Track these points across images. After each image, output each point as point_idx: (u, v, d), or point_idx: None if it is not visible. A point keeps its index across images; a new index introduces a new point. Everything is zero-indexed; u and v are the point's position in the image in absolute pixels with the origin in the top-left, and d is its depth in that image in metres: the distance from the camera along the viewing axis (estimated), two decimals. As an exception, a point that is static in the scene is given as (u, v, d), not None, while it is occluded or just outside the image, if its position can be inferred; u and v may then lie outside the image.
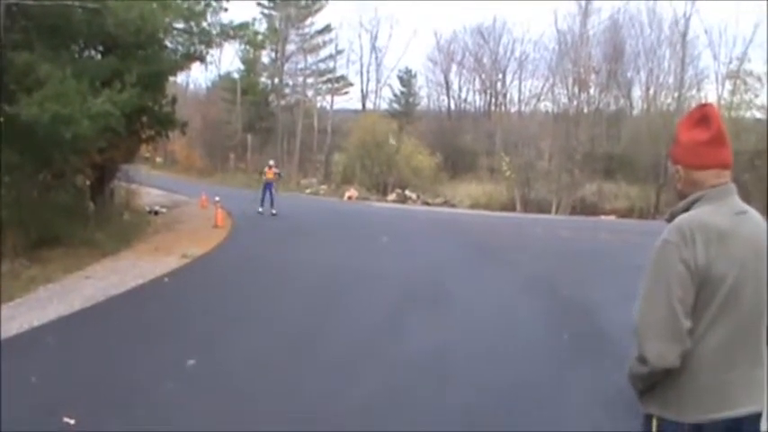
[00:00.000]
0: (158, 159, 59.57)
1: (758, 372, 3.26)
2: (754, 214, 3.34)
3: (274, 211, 29.19)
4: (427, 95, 70.92)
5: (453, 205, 49.45)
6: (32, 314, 11.08)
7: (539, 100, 60.92)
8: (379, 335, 10.92)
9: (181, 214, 29.67)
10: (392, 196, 51.61)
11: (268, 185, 29.86)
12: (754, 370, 3.25)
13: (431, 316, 12.26)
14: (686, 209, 3.29)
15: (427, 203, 49.59)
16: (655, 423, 3.32)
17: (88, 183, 23.16)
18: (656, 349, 3.12)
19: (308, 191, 53.51)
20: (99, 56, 21.62)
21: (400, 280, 15.63)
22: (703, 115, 3.34)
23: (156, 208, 30.16)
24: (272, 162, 31.87)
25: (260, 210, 29.40)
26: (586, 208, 47.79)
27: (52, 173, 20.59)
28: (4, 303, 12.22)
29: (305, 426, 7.18)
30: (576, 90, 54.08)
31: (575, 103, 54.26)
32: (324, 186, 55.53)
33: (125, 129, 19.96)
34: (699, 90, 52.94)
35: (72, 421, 6.99)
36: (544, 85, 59.84)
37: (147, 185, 34.22)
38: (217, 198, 28.62)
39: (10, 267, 15.14)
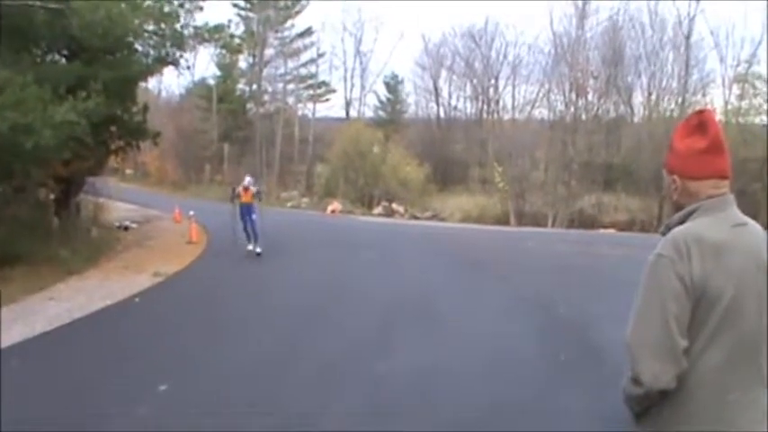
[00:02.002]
0: (128, 171, 59.54)
1: (759, 393, 3.21)
2: (755, 226, 3.30)
3: (259, 250, 22.32)
4: (415, 102, 70.94)
5: (443, 219, 49.44)
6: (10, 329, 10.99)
7: (533, 107, 61.07)
8: (360, 356, 10.86)
9: (153, 230, 29.58)
10: (378, 209, 51.59)
11: (247, 211, 22.63)
12: (756, 391, 3.20)
13: (417, 337, 12.20)
14: (682, 221, 3.24)
15: (415, 217, 49.58)
16: None
17: (52, 196, 23.08)
18: (651, 370, 3.06)
19: (288, 204, 53.44)
20: (63, 60, 21.53)
21: (385, 299, 15.57)
22: (701, 121, 3.30)
23: (126, 223, 30.06)
24: (248, 179, 23.41)
25: (249, 247, 22.66)
26: (584, 221, 47.81)
27: (13, 186, 20.47)
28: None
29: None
30: (574, 96, 54.20)
31: (572, 109, 54.35)
32: (306, 199, 55.46)
33: (92, 139, 19.89)
34: (704, 95, 53.10)
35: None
36: (539, 91, 59.97)
37: (117, 199, 34.18)
38: (191, 212, 28.55)
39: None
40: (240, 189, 22.96)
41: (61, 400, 8.59)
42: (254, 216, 22.68)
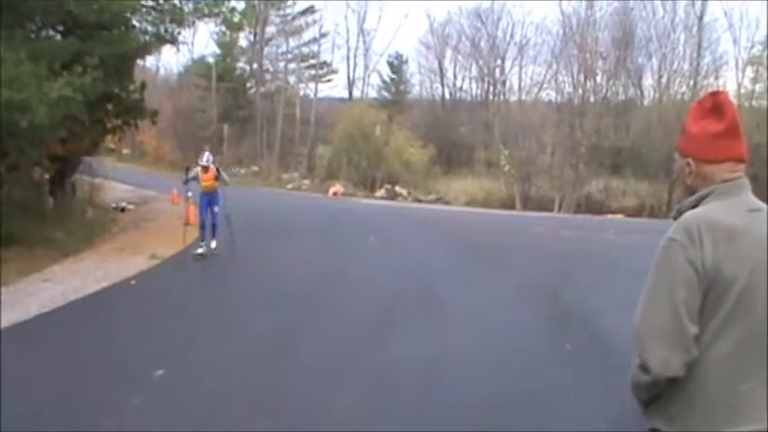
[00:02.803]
0: (125, 151, 59.41)
1: None
2: None
3: (214, 245, 18.83)
4: (419, 83, 70.77)
5: (447, 202, 49.44)
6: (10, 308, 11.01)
7: (541, 88, 60.87)
8: (362, 341, 10.87)
9: (150, 211, 29.56)
10: (381, 192, 51.59)
11: (208, 200, 18.99)
12: (767, 382, 3.18)
13: (418, 324, 12.20)
14: (695, 205, 3.21)
15: (419, 200, 49.57)
16: None
17: (47, 176, 23.05)
18: (659, 356, 3.03)
19: (289, 186, 53.45)
20: (58, 36, 21.47)
21: (386, 285, 15.58)
22: (716, 104, 3.25)
23: (123, 204, 30.06)
24: (207, 156, 19.22)
25: (199, 249, 18.68)
26: (592, 206, 47.77)
27: (6, 165, 20.46)
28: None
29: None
30: (582, 78, 54.11)
31: (580, 91, 54.25)
32: (307, 181, 55.44)
33: (88, 117, 19.88)
34: (717, 78, 53.03)
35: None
36: (547, 73, 59.80)
37: (113, 179, 34.12)
38: (189, 193, 28.48)
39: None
40: (198, 170, 18.69)
41: (56, 385, 8.59)
42: (216, 208, 18.80)
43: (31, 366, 9.43)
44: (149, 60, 45.02)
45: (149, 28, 23.43)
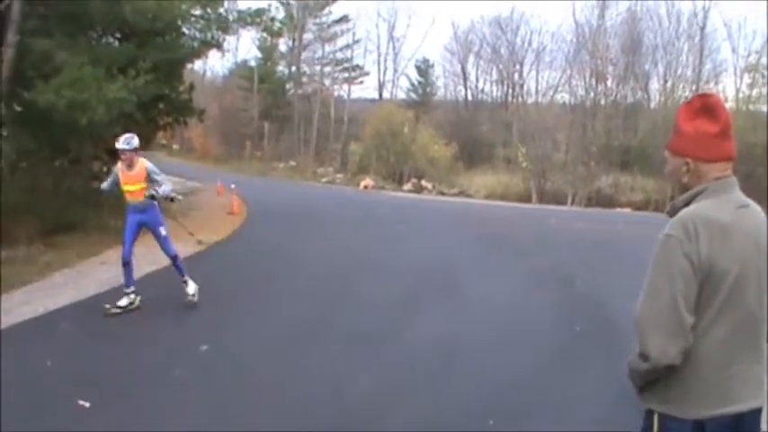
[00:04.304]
0: (175, 146, 59.69)
1: (758, 367, 3.26)
2: (755, 207, 3.33)
3: (192, 290, 11.82)
4: (444, 85, 70.58)
5: (469, 195, 49.28)
6: (47, 299, 11.17)
7: (556, 91, 60.64)
8: (389, 322, 10.97)
9: (196, 201, 29.65)
10: (408, 186, 51.51)
11: (140, 218, 11.51)
12: (755, 365, 3.25)
13: (441, 307, 12.28)
14: (688, 202, 3.27)
15: (443, 193, 49.46)
16: (656, 419, 3.32)
17: (104, 169, 23.26)
18: (658, 345, 3.11)
19: (323, 180, 53.46)
20: (116, 43, 21.65)
21: (411, 269, 15.66)
22: (706, 105, 3.30)
23: (172, 195, 30.16)
24: (127, 140, 11.07)
25: (122, 300, 11.21)
26: (602, 200, 47.57)
27: (68, 159, 20.67)
28: (20, 288, 12.32)
29: (312, 411, 7.25)
30: (594, 82, 53.86)
31: (592, 94, 54.01)
32: (340, 175, 55.44)
33: (142, 116, 20.04)
34: (717, 83, 52.71)
35: (87, 404, 7.07)
36: (561, 77, 59.59)
37: (164, 172, 34.29)
38: (233, 185, 28.69)
39: (26, 253, 15.22)
40: (118, 167, 11.40)
41: (110, 360, 8.75)
42: (161, 230, 11.76)
43: (88, 340, 9.62)
44: (197, 64, 45.10)
45: (197, 35, 23.57)
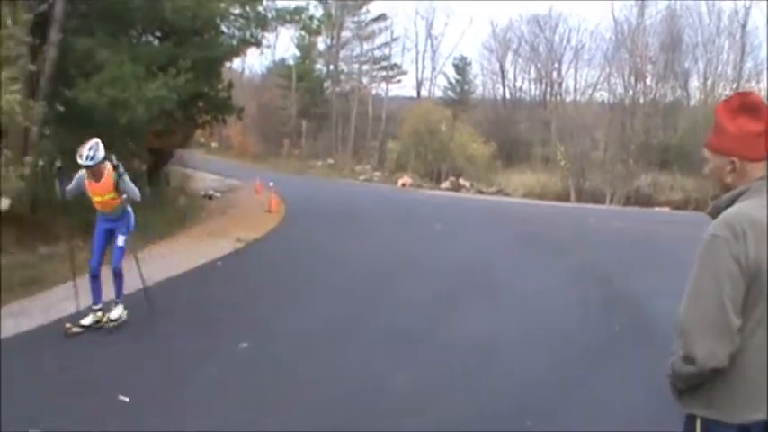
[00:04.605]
0: (213, 144, 59.93)
1: None
2: None
3: (117, 313, 10.16)
4: (482, 84, 70.23)
5: (507, 194, 49.11)
6: (86, 296, 11.27)
7: (594, 89, 60.23)
8: (427, 320, 10.97)
9: (235, 199, 29.84)
10: (446, 184, 51.42)
11: (108, 225, 10.33)
12: None
13: (479, 306, 12.26)
14: (731, 202, 3.21)
15: (481, 192, 49.34)
16: (699, 423, 3.24)
17: (144, 167, 23.45)
18: (706, 348, 3.03)
19: (361, 177, 53.51)
20: (156, 41, 21.82)
21: (449, 268, 15.65)
22: (746, 103, 3.25)
23: (211, 192, 30.39)
24: (91, 150, 9.57)
25: (86, 319, 9.97)
26: (641, 199, 47.15)
27: (109, 157, 20.85)
28: (61, 284, 12.44)
29: (347, 409, 7.28)
30: (633, 80, 53.39)
31: (631, 93, 53.50)
32: (378, 173, 55.45)
33: (181, 114, 20.19)
34: (758, 81, 52.03)
35: (126, 399, 7.15)
36: (600, 75, 59.18)
37: (202, 170, 34.51)
38: (271, 183, 28.79)
39: (66, 249, 15.36)
40: (83, 173, 9.95)
41: (147, 356, 8.82)
42: (120, 240, 10.30)
43: (127, 335, 9.70)
44: (235, 62, 45.25)
45: (236, 33, 23.71)
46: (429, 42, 68.20)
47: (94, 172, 9.71)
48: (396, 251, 17.78)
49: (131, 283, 10.79)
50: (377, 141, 61.00)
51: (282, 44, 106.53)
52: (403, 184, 49.21)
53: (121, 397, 7.18)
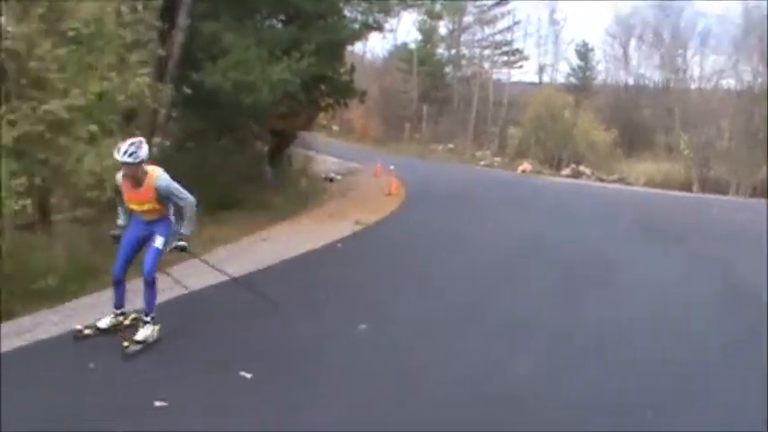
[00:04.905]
0: (335, 127, 60.40)
1: None
2: None
3: (145, 334, 8.40)
4: (605, 70, 69.16)
5: (629, 183, 48.29)
6: (210, 274, 11.48)
7: (721, 76, 58.68)
8: (547, 308, 10.88)
9: (355, 182, 30.01)
10: (566, 171, 50.83)
11: (141, 229, 8.74)
12: None
13: (598, 290, 12.12)
14: None
15: (601, 180, 48.62)
16: None
17: (267, 149, 23.79)
18: None
19: (482, 163, 53.24)
20: (280, 25, 22.05)
21: (572, 254, 15.50)
22: None
23: (332, 175, 30.61)
24: (133, 147, 8.21)
25: (103, 321, 8.78)
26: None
27: (233, 138, 21.20)
28: (185, 262, 12.72)
29: (463, 393, 7.26)
30: (762, 67, 51.79)
31: (759, 80, 51.95)
32: (498, 159, 55.10)
33: (304, 96, 20.38)
34: None
35: (249, 375, 7.27)
36: (727, 62, 57.65)
37: (324, 152, 34.80)
38: (391, 167, 28.89)
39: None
40: (118, 177, 8.73)
41: (267, 335, 8.95)
42: (157, 242, 8.61)
43: (247, 313, 9.85)
44: (357, 46, 45.51)
45: (359, 17, 23.80)
46: (551, 27, 67.46)
47: (134, 175, 8.30)
48: (516, 237, 17.68)
49: (235, 269, 10.89)
50: (497, 127, 60.60)
51: (404, 28, 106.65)
52: (523, 171, 48.79)
53: (242, 373, 7.31)
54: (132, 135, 12.43)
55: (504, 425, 6.72)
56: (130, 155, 8.10)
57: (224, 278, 10.59)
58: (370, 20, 23.76)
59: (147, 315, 8.47)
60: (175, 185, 8.47)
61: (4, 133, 10.56)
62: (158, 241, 8.50)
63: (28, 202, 10.68)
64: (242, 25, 18.39)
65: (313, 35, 19.60)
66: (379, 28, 24.88)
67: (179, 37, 16.89)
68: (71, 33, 11.68)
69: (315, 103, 24.32)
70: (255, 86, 17.01)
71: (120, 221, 8.88)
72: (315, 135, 32.57)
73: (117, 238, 8.76)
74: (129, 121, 13.91)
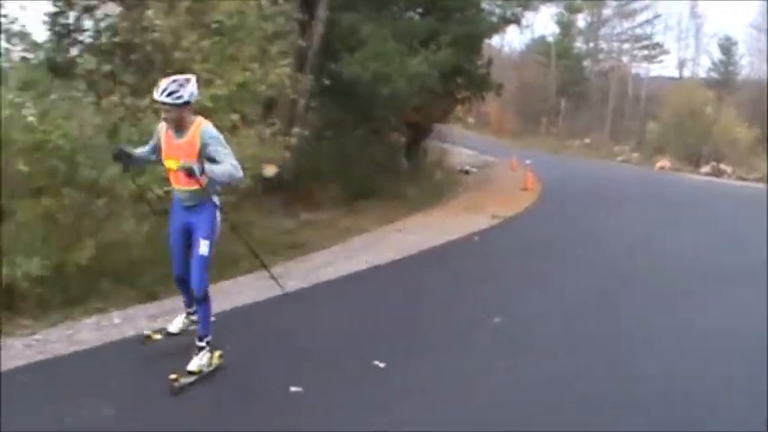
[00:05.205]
0: (470, 120, 60.32)
1: None
2: None
3: (200, 364, 6.70)
4: (749, 64, 67.21)
5: (772, 183, 46.76)
6: (348, 262, 11.57)
7: None
8: (666, 310, 10.56)
9: (490, 175, 29.90)
10: (705, 169, 49.43)
11: (186, 219, 6.85)
12: None
13: (719, 296, 11.69)
14: None
15: (742, 178, 47.16)
16: None
17: (403, 140, 23.90)
18: None
19: (619, 158, 52.35)
20: (417, 17, 22.09)
21: (708, 258, 15.00)
22: None
23: (467, 168, 30.58)
24: (174, 84, 6.45)
25: (174, 326, 7.45)
26: None
27: (370, 129, 21.35)
28: (320, 251, 12.86)
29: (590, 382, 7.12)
30: None
31: None
32: (635, 155, 54.04)
33: (441, 89, 20.39)
34: None
35: (382, 365, 7.26)
36: None
37: (459, 145, 34.75)
38: (528, 161, 28.67)
39: (328, 217, 15.89)
40: (160, 129, 6.87)
41: (400, 325, 8.94)
42: (201, 248, 6.69)
43: (385, 302, 9.89)
44: (494, 38, 45.42)
45: (497, 10, 23.69)
46: (693, 21, 65.99)
47: (177, 121, 6.53)
48: (651, 237, 17.21)
49: (372, 258, 10.88)
50: (636, 122, 59.53)
51: (541, 21, 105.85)
52: (661, 167, 47.74)
53: (376, 362, 7.30)
54: (272, 125, 12.70)
55: None
56: (170, 93, 6.37)
57: (359, 268, 10.65)
58: (509, 13, 23.64)
59: (200, 339, 6.85)
60: (225, 144, 6.68)
61: (151, 122, 10.85)
62: (202, 246, 6.68)
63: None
64: (379, 16, 18.50)
65: (451, 27, 19.61)
66: (517, 21, 24.74)
67: (318, 28, 17.08)
68: (215, 26, 11.93)
69: (451, 96, 24.34)
70: (393, 78, 17.10)
71: (137, 150, 7.05)
72: (450, 127, 32.56)
73: (119, 157, 6.88)
74: (269, 111, 14.11)
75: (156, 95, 6.40)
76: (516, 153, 34.88)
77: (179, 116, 6.46)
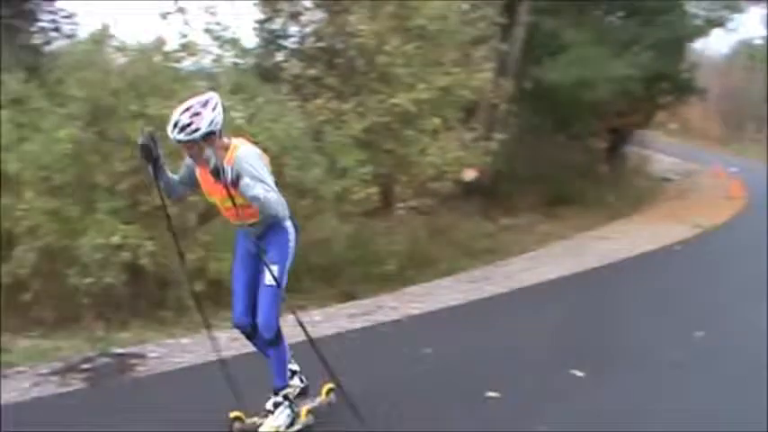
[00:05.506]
0: (672, 126, 58.81)
1: None
2: None
3: (267, 429, 5.20)
4: None
5: None
6: (547, 267, 11.48)
7: None
8: None
9: (693, 183, 29.06)
10: None
11: (249, 247, 5.36)
12: None
13: None
14: None
15: None
16: None
17: (603, 146, 23.54)
18: None
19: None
20: (618, 21, 21.73)
21: None
22: None
23: (669, 175, 29.88)
24: (183, 127, 4.76)
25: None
26: None
27: (569, 134, 21.15)
28: (519, 255, 12.81)
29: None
30: None
31: None
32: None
33: (644, 94, 19.99)
34: None
35: (581, 374, 7.14)
36: None
37: (659, 152, 33.93)
38: (733, 169, 27.71)
39: (527, 221, 15.83)
40: (192, 165, 5.18)
41: (605, 328, 8.78)
42: (265, 277, 5.18)
43: (577, 309, 9.74)
44: (697, 42, 44.19)
45: (701, 13, 23.02)
46: None
47: (198, 156, 4.95)
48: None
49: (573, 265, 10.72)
50: None
51: (749, 24, 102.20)
52: None
53: (573, 371, 7.19)
54: (473, 130, 12.74)
55: None
56: (182, 129, 4.80)
57: (561, 274, 10.53)
58: (714, 16, 22.93)
59: (276, 392, 5.39)
60: (257, 164, 4.99)
61: (354, 125, 11.07)
62: (269, 275, 5.19)
63: (374, 190, 11.06)
64: (581, 21, 18.29)
65: (654, 31, 19.19)
66: (722, 24, 23.95)
67: (520, 33, 17.04)
68: (417, 30, 12.07)
69: (653, 101, 23.81)
70: (595, 83, 16.87)
71: (167, 175, 5.20)
72: (651, 133, 31.82)
73: (142, 150, 4.94)
74: (470, 116, 14.18)
75: (169, 132, 4.82)
76: (721, 160, 33.73)
77: (203, 151, 4.82)
